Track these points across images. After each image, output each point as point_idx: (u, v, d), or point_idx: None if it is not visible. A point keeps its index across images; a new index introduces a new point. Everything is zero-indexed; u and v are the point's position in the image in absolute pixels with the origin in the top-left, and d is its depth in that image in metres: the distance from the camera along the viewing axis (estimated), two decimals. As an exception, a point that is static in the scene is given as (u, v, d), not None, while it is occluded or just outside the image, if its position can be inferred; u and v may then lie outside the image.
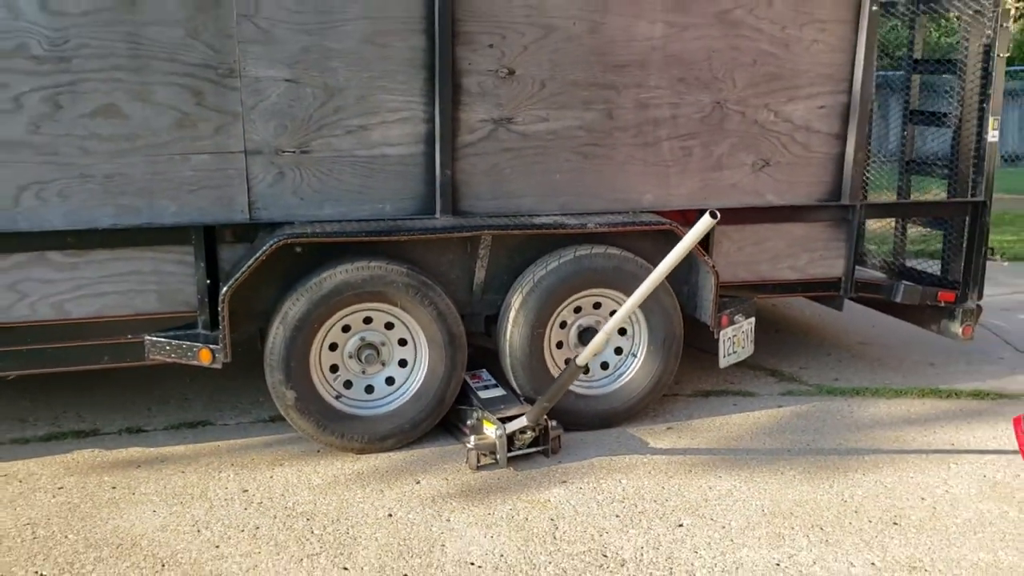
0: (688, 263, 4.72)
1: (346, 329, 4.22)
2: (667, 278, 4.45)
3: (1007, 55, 4.98)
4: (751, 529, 3.58)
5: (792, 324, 6.48)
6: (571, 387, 4.42)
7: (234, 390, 5.05)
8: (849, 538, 3.51)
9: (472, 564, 3.33)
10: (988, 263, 5.34)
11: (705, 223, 3.37)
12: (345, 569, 3.30)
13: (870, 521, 3.64)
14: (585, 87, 4.45)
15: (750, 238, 4.88)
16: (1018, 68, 21.05)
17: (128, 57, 3.90)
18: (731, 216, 4.77)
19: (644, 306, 4.49)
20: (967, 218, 5.16)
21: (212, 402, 4.92)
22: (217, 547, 3.45)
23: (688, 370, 5.19)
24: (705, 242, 4.76)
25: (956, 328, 5.19)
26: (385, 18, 4.14)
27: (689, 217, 4.67)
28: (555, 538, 3.52)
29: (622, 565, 3.32)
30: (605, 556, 3.39)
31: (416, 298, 4.17)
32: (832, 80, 4.79)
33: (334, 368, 4.25)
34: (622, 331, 4.62)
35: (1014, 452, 4.24)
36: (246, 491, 3.91)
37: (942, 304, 5.18)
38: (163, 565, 3.33)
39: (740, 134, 4.71)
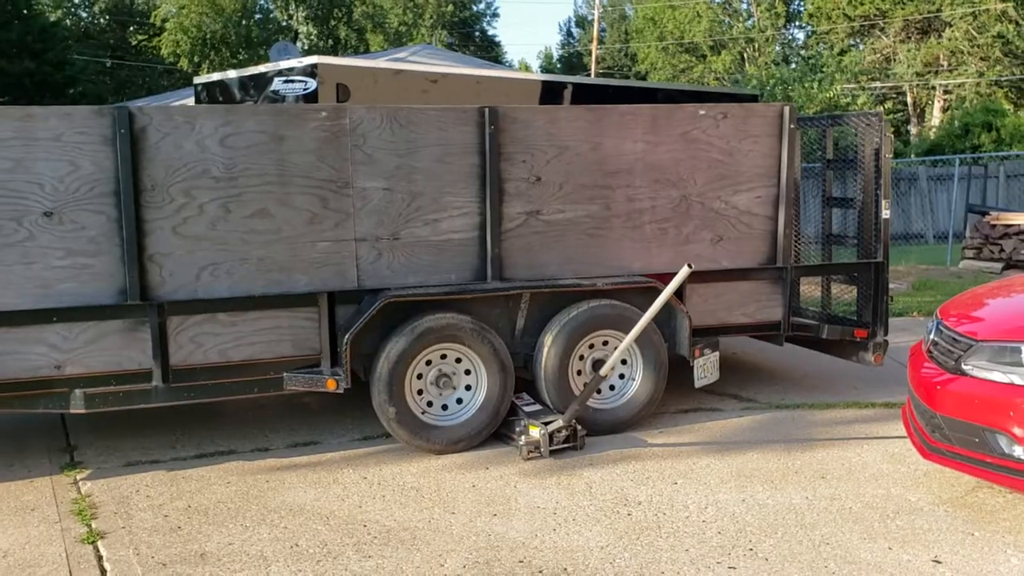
0: (668, 312, 6.44)
1: (428, 362, 5.88)
2: (654, 322, 6.21)
3: (891, 156, 6.89)
4: (724, 483, 5.23)
5: (747, 363, 8.21)
6: (590, 403, 6.09)
7: (328, 420, 6.62)
8: (791, 485, 5.18)
9: (538, 507, 4.94)
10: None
11: (684, 272, 5.13)
12: (452, 513, 4.88)
13: (806, 476, 5.31)
14: (589, 188, 6.24)
15: (712, 293, 6.64)
16: (948, 157, 23.57)
17: (276, 175, 5.62)
18: (698, 277, 6.54)
19: (640, 343, 6.19)
20: (872, 274, 6.97)
21: (314, 430, 6.49)
22: (360, 507, 5.02)
23: (670, 396, 6.87)
24: (681, 295, 6.51)
25: (869, 357, 6.94)
26: (451, 144, 5.92)
27: (666, 279, 6.44)
28: (591, 492, 5.14)
29: (639, 504, 4.95)
30: (626, 500, 5.01)
31: (478, 339, 5.85)
32: (765, 177, 6.63)
33: (420, 391, 5.88)
34: (624, 361, 6.31)
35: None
36: (365, 478, 5.48)
37: (858, 339, 6.95)
38: (327, 517, 4.88)
39: (701, 218, 6.51)
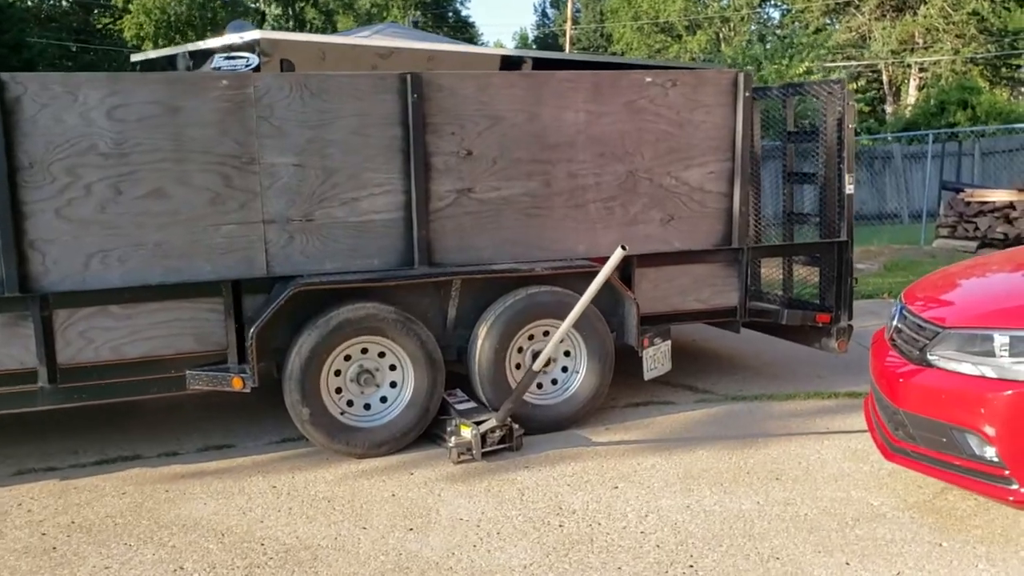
0: (616, 298, 5.93)
1: (347, 358, 5.33)
2: (600, 309, 5.69)
3: (854, 125, 6.38)
4: (669, 487, 4.73)
5: (705, 351, 7.72)
6: (530, 399, 5.58)
7: (246, 421, 6.07)
8: (742, 488, 4.68)
9: (461, 519, 4.42)
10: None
11: (618, 255, 4.61)
12: (364, 528, 4.36)
13: (758, 477, 4.82)
14: (527, 163, 5.70)
15: (663, 277, 6.13)
16: (922, 133, 23.16)
17: (172, 151, 5.05)
18: (647, 261, 6.04)
19: (583, 331, 5.69)
20: (834, 254, 6.48)
21: (229, 431, 5.93)
22: (261, 522, 4.48)
23: (621, 388, 6.36)
24: (628, 281, 6.00)
25: (833, 344, 6.46)
26: (370, 114, 5.36)
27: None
28: (522, 500, 4.63)
29: (573, 513, 4.44)
30: (560, 509, 4.50)
31: (403, 331, 5.30)
32: (719, 151, 6.12)
33: (339, 390, 5.34)
34: (567, 353, 5.79)
35: (872, 429, 5.47)
36: (275, 487, 4.94)
37: (820, 325, 6.46)
38: (222, 534, 4.35)
39: (650, 196, 5.99)
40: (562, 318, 5.48)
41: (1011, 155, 22.74)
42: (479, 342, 5.52)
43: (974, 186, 15.18)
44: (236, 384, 5.16)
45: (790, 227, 7.11)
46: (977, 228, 13.81)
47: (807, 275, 7.08)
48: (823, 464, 5.00)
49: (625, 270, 6.03)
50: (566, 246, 5.86)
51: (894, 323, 4.58)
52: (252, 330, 5.08)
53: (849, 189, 6.43)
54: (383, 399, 5.43)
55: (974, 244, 13.68)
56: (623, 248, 4.64)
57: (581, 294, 5.60)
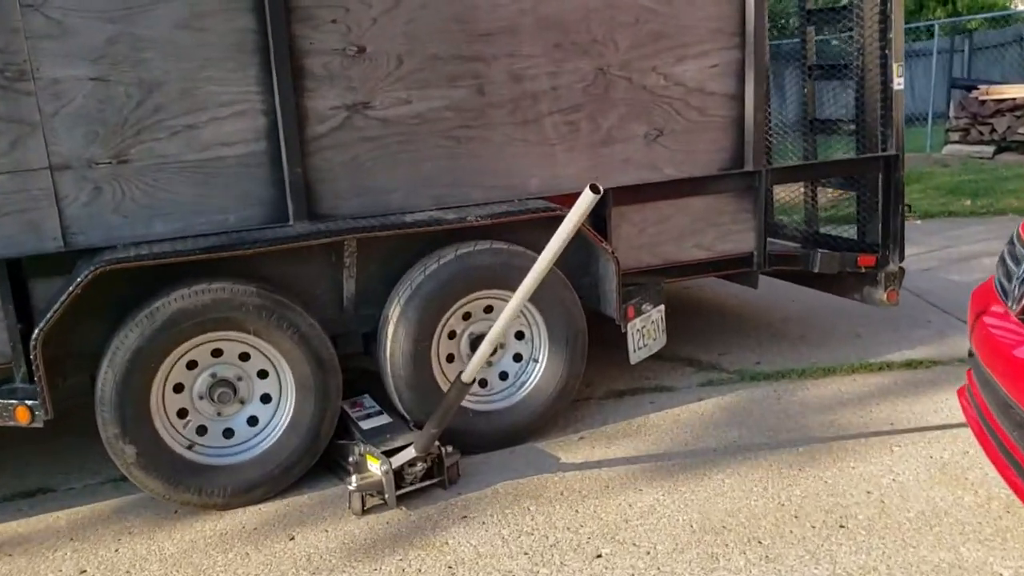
0: (587, 252, 4.22)
1: (192, 365, 3.58)
2: (564, 271, 3.96)
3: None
4: (680, 552, 3.07)
5: (708, 306, 6.04)
6: (468, 404, 3.89)
7: (82, 448, 4.34)
8: (792, 550, 3.04)
9: (353, 638, 2.75)
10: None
11: (587, 200, 2.86)
12: (195, 664, 2.68)
13: (813, 527, 3.17)
14: (449, 61, 3.90)
15: (651, 218, 4.40)
16: (926, 23, 21.25)
17: None
18: (628, 195, 4.31)
19: (540, 304, 3.97)
20: (880, 175, 4.77)
21: (57, 463, 4.21)
22: (37, 653, 2.79)
23: (599, 368, 4.68)
24: (602, 226, 4.27)
25: (880, 294, 4.81)
26: (203, -3, 3.52)
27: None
28: (453, 591, 2.96)
29: (533, 617, 2.78)
30: (513, 607, 2.84)
31: (272, 321, 3.55)
32: (723, 35, 4.33)
33: (182, 413, 3.60)
34: (519, 335, 4.08)
35: (958, 426, 3.85)
36: (84, 571, 3.24)
37: (863, 270, 4.79)
38: None
39: (629, 103, 4.22)
40: (509, 286, 3.75)
41: (1002, 50, 21.00)
42: (390, 328, 3.78)
43: (989, 82, 13.41)
44: (21, 417, 3.41)
45: (812, 139, 5.38)
46: (994, 130, 12.11)
47: (833, 201, 5.41)
48: (904, 494, 3.36)
49: (597, 210, 4.29)
50: (512, 181, 4.10)
51: (1021, 273, 2.90)
52: (35, 334, 3.31)
53: (898, 85, 4.68)
54: (252, 421, 3.70)
55: (991, 149, 12.03)
56: (595, 191, 2.88)
57: (536, 250, 3.88)
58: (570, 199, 4.10)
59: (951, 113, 12.87)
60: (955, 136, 12.58)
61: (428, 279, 3.78)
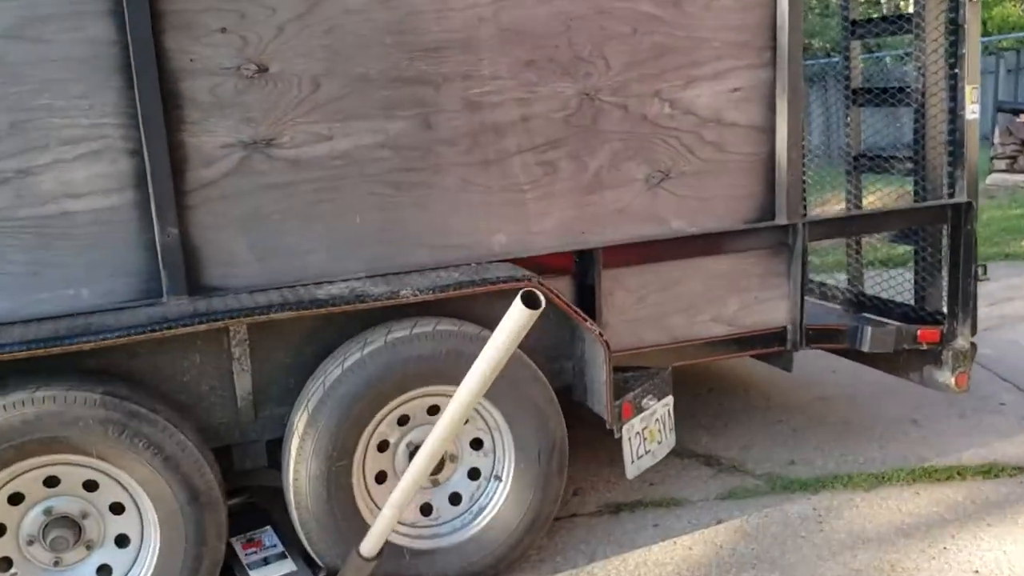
0: (570, 330, 3.24)
1: (16, 500, 2.61)
2: (538, 355, 3.00)
3: (979, 9, 3.63)
4: None
5: (727, 378, 5.01)
6: (404, 541, 2.91)
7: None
8: None
9: None
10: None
11: (518, 319, 1.90)
12: None
13: None
14: (384, 84, 2.94)
15: (654, 283, 3.41)
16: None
17: None
18: (623, 255, 3.33)
19: (503, 404, 2.99)
20: (946, 227, 3.77)
21: None
22: None
23: (589, 467, 3.69)
24: (589, 297, 3.29)
25: (945, 377, 3.78)
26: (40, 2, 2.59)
27: (556, 261, 3.21)
28: None
29: None
30: None
31: (123, 441, 2.57)
32: (748, 50, 3.36)
33: (4, 564, 2.63)
34: (476, 443, 3.09)
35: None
36: None
37: (923, 347, 3.77)
38: None
39: (624, 137, 3.24)
40: (458, 379, 2.76)
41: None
42: (294, 442, 2.80)
43: (1037, 106, 12.32)
44: None
45: (857, 180, 4.38)
46: (1045, 158, 11.03)
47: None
48: None
49: (585, 274, 3.32)
50: (469, 239, 3.13)
51: None
52: None
53: (971, 113, 3.68)
54: (103, 570, 2.72)
55: (1041, 179, 10.95)
56: (530, 304, 1.92)
57: (493, 325, 2.91)
58: (547, 260, 3.16)
59: (996, 139, 11.79)
60: (1001, 164, 11.49)
61: (348, 374, 2.80)
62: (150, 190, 2.73)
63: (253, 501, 3.18)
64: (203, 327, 2.66)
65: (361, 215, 2.99)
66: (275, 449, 3.01)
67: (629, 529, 3.37)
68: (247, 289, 2.88)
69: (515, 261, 3.16)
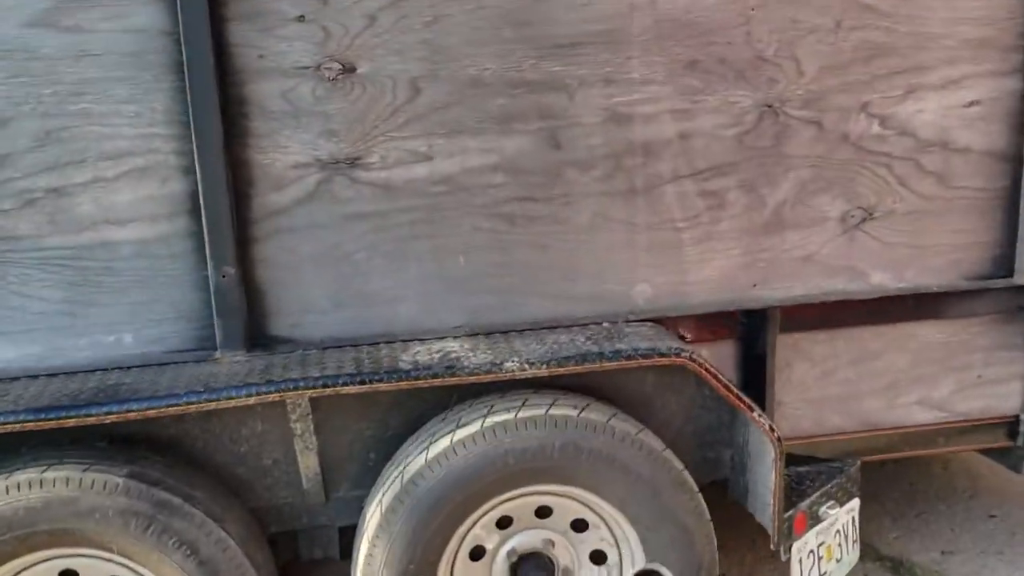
0: (730, 411, 2.51)
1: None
2: (684, 442, 2.30)
3: None
4: None
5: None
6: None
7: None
8: None
9: None
10: None
11: None
12: None
13: None
14: (501, 90, 2.29)
15: (845, 354, 2.63)
16: None
17: None
18: (808, 316, 2.56)
19: (635, 512, 2.29)
20: None
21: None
22: None
23: (730, 555, 2.95)
24: (759, 369, 2.55)
25: None
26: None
27: (712, 328, 2.49)
28: None
29: None
30: None
31: (149, 536, 2.05)
32: (993, 51, 2.51)
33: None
34: (599, 558, 2.41)
35: None
36: None
37: None
38: None
39: (816, 163, 2.47)
40: (579, 481, 2.10)
41: None
42: (364, 544, 2.21)
43: None
44: None
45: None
46: None
47: None
48: None
49: (755, 339, 2.58)
50: (603, 288, 2.44)
51: None
52: None
53: None
54: None
55: None
56: None
57: (637, 411, 2.24)
58: (703, 322, 2.44)
59: None
60: None
61: (432, 466, 2.18)
62: (203, 219, 2.19)
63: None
64: (252, 400, 2.10)
65: (465, 255, 2.36)
66: (350, 537, 2.44)
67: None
68: (320, 344, 2.31)
69: (660, 320, 2.46)
